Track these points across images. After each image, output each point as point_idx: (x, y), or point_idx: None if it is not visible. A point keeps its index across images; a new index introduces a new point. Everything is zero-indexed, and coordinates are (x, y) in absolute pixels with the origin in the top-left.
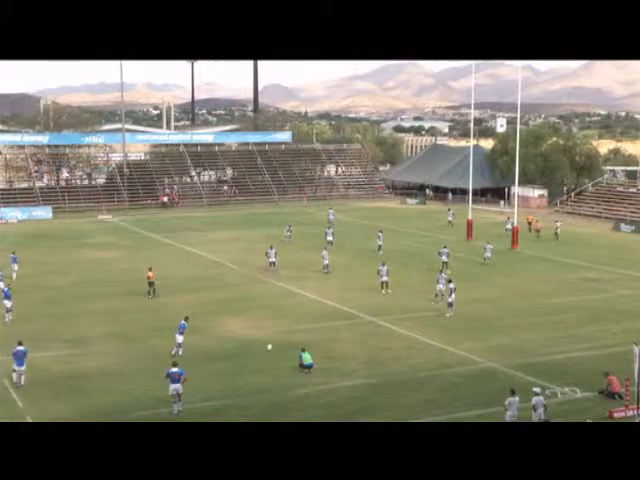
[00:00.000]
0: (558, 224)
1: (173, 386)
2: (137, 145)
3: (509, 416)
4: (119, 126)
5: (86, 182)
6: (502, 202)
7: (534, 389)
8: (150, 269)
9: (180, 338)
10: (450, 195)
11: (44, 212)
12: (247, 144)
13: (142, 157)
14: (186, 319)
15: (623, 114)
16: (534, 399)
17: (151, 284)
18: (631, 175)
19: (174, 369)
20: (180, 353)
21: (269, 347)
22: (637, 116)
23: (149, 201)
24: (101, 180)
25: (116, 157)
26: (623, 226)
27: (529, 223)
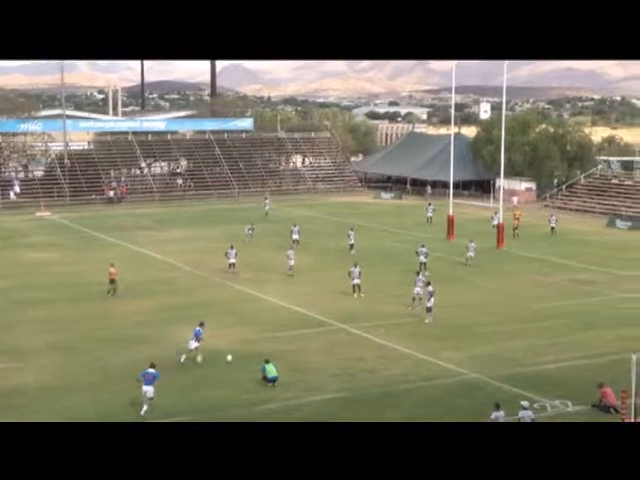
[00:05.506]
0: (553, 218)
1: (145, 388)
2: (79, 133)
3: None
4: (59, 112)
5: (22, 175)
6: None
7: (521, 403)
8: (112, 265)
9: (193, 344)
10: (429, 189)
11: None
12: (203, 132)
13: (85, 147)
14: (201, 325)
15: (618, 98)
16: (521, 413)
17: (112, 281)
18: (627, 166)
19: (150, 370)
20: (182, 360)
21: (229, 358)
22: (634, 101)
23: (93, 196)
24: (39, 172)
25: (56, 147)
26: (619, 222)
27: (516, 219)
